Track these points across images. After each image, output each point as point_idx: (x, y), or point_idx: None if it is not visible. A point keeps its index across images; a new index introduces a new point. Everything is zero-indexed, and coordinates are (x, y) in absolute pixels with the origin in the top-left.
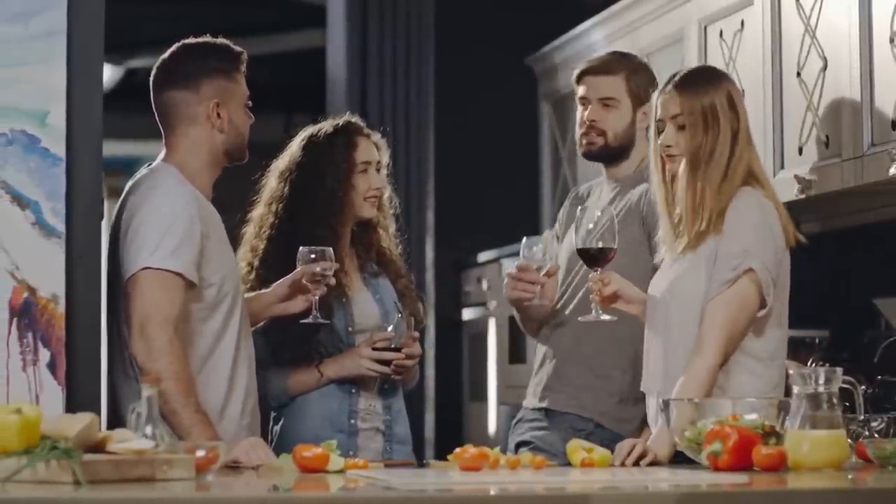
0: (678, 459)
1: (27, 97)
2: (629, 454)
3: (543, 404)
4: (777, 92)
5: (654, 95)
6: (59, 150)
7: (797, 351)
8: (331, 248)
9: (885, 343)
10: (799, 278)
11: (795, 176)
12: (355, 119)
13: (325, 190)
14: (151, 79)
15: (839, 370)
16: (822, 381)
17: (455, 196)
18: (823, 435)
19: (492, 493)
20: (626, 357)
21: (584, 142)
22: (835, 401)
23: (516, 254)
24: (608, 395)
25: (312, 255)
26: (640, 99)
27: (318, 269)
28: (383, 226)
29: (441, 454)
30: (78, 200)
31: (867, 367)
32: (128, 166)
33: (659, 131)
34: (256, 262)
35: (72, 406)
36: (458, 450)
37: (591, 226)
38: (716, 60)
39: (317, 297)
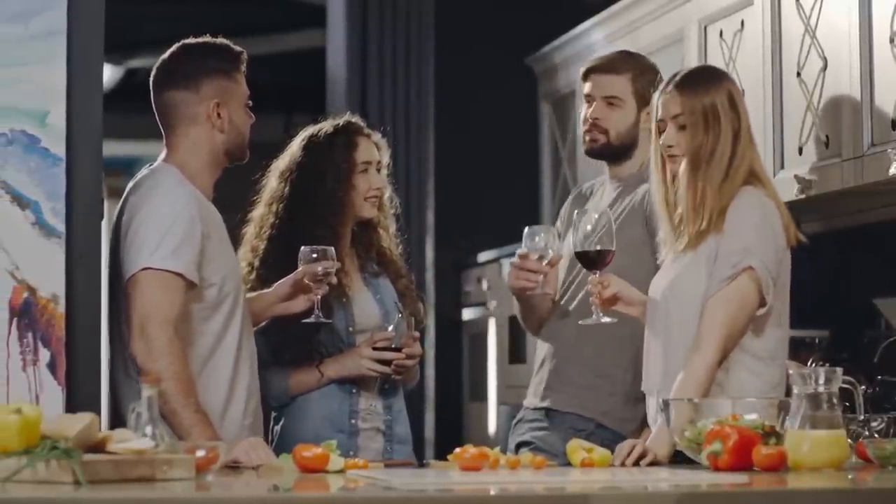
0: (678, 459)
1: (27, 97)
2: (629, 454)
3: (545, 404)
4: (777, 92)
5: (655, 95)
6: (59, 150)
7: (797, 351)
8: (332, 248)
9: (885, 343)
10: (799, 278)
11: (795, 176)
12: (356, 119)
13: (325, 190)
14: (151, 79)
15: (839, 370)
16: (822, 381)
17: (455, 196)
18: (823, 435)
19: (492, 493)
20: (627, 356)
21: (586, 139)
22: (835, 401)
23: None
24: (610, 394)
25: (314, 255)
26: (645, 99)
27: (319, 268)
28: (384, 226)
29: (441, 454)
30: (78, 200)
31: (867, 367)
32: (128, 166)
33: (660, 131)
34: (257, 262)
35: (72, 406)
36: (458, 450)
37: (588, 228)
38: (716, 60)
39: (319, 297)
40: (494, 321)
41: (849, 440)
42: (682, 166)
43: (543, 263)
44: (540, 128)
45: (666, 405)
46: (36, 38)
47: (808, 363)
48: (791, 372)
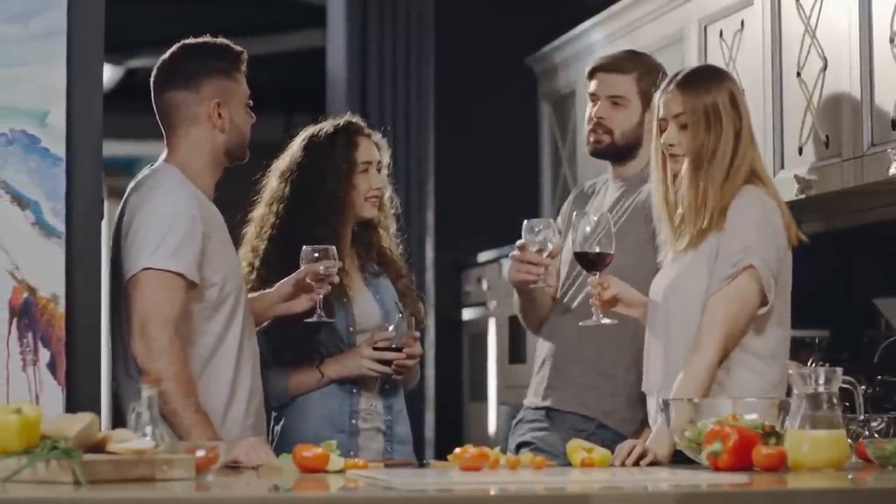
0: (678, 459)
1: (27, 97)
2: (629, 454)
3: (546, 403)
4: (777, 92)
5: (657, 94)
6: (59, 150)
7: (797, 351)
8: (334, 247)
9: (885, 343)
10: (799, 278)
11: (795, 176)
12: (356, 119)
13: (325, 190)
14: (152, 79)
15: (839, 370)
16: (822, 381)
17: (455, 196)
18: (823, 435)
19: (492, 493)
20: (628, 356)
21: (590, 139)
22: (835, 401)
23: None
24: (611, 394)
25: (316, 254)
26: (650, 99)
27: (321, 268)
28: (384, 226)
29: (441, 454)
30: (78, 200)
31: (867, 367)
32: (128, 166)
33: (661, 130)
34: (257, 262)
35: (72, 406)
36: (458, 450)
37: (588, 230)
38: (716, 60)
39: (321, 296)
40: (494, 321)
41: (849, 440)
42: (684, 166)
43: (543, 256)
44: (540, 128)
45: (666, 405)
46: (36, 38)
47: (808, 363)
48: (791, 372)
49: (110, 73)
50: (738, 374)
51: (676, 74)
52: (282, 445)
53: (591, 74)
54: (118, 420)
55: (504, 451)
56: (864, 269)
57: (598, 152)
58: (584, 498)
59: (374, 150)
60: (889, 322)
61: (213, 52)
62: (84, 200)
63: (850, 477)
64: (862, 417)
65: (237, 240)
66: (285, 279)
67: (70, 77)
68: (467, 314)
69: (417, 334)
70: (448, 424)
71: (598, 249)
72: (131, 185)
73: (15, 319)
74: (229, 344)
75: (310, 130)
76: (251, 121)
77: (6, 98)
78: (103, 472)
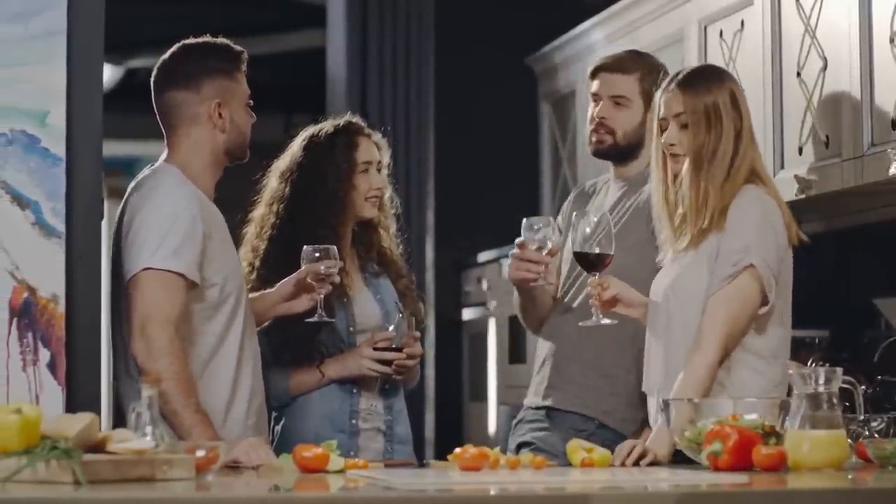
0: (678, 459)
1: (27, 97)
2: (629, 454)
3: (547, 402)
4: (777, 92)
5: (657, 94)
6: (59, 150)
7: (797, 351)
8: (335, 247)
9: (885, 343)
10: (799, 278)
11: (795, 176)
12: (356, 119)
13: (326, 190)
14: (152, 79)
15: (839, 370)
16: (822, 381)
17: (455, 196)
18: (823, 435)
19: (492, 493)
20: (629, 356)
21: (593, 139)
22: (835, 401)
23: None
24: (612, 394)
25: (317, 254)
26: (652, 99)
27: (322, 267)
28: (384, 226)
29: (441, 454)
30: (78, 200)
31: (867, 367)
32: (128, 166)
33: (661, 129)
34: (257, 263)
35: (72, 406)
36: (458, 450)
37: (587, 231)
38: (716, 60)
39: (322, 296)
40: (494, 321)
41: (849, 440)
42: (685, 166)
43: (543, 254)
44: (540, 128)
45: (666, 405)
46: (36, 38)
47: (808, 363)
48: (791, 372)
49: (110, 73)
50: (739, 373)
51: (677, 74)
52: (282, 445)
53: (594, 74)
54: (119, 420)
55: (504, 451)
56: (864, 269)
57: (601, 152)
58: (584, 498)
59: (375, 150)
60: (889, 322)
61: (214, 51)
62: (84, 200)
63: (850, 477)
64: (862, 417)
65: (237, 240)
66: (286, 279)
67: (70, 77)
68: (467, 314)
69: (418, 334)
70: (448, 424)
71: (597, 250)
72: (132, 185)
73: (15, 319)
74: (230, 344)
75: (310, 130)
76: (251, 120)
77: (6, 98)
78: (103, 472)
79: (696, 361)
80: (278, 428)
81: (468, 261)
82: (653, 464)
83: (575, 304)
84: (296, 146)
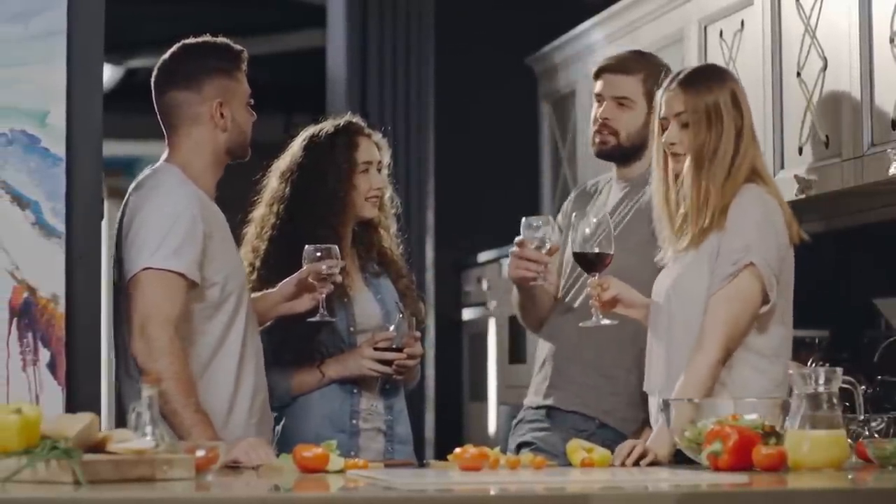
0: (678, 459)
1: (27, 97)
2: (629, 454)
3: (547, 402)
4: (777, 92)
5: (659, 93)
6: (59, 150)
7: (797, 351)
8: (336, 246)
9: (885, 343)
10: (799, 278)
11: (795, 176)
12: (356, 119)
13: (326, 190)
14: (153, 79)
15: (839, 370)
16: (822, 381)
17: (455, 196)
18: (823, 435)
19: (492, 493)
20: (630, 356)
21: (596, 140)
22: (835, 401)
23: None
24: (613, 394)
25: (318, 254)
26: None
27: (324, 267)
28: (384, 226)
29: (441, 454)
30: (78, 200)
31: (867, 367)
32: (128, 166)
33: (663, 129)
34: (258, 263)
35: (72, 406)
36: (458, 450)
37: (587, 232)
38: (716, 60)
39: (323, 295)
40: (494, 321)
41: (849, 440)
42: (686, 165)
43: (542, 252)
44: (540, 128)
45: (666, 405)
46: (36, 38)
47: (808, 363)
48: (791, 372)
49: (110, 73)
50: (741, 372)
51: (678, 73)
52: (282, 445)
53: (597, 75)
54: (121, 420)
55: (504, 451)
56: (864, 269)
57: (604, 153)
58: (584, 498)
59: (375, 150)
60: (889, 322)
61: (214, 51)
62: (84, 200)
63: (850, 477)
64: (862, 417)
65: (237, 240)
66: (288, 279)
67: (70, 77)
68: (467, 314)
69: (418, 334)
70: (448, 424)
71: (597, 250)
72: (133, 185)
73: (15, 319)
74: (232, 343)
75: (310, 130)
76: (252, 119)
77: (6, 98)
78: (103, 472)
79: (698, 361)
80: (279, 428)
81: (468, 261)
82: (653, 464)
83: (576, 305)
84: (296, 146)
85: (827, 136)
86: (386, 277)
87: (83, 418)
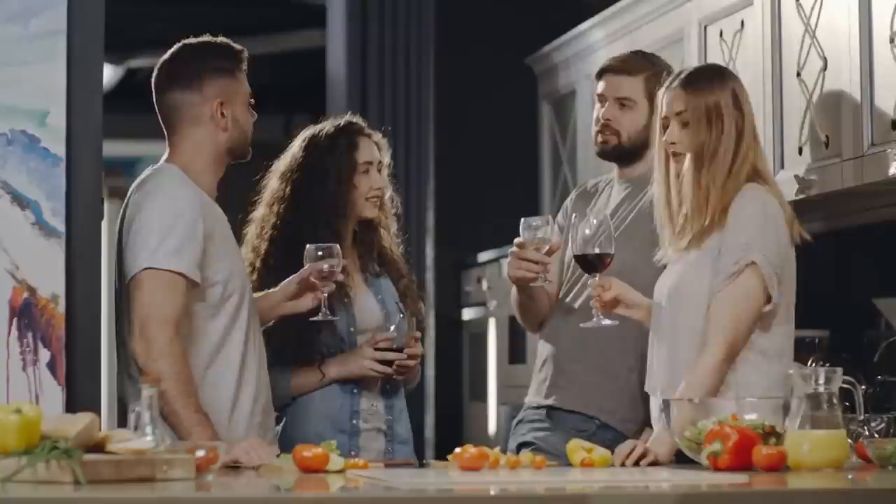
0: (678, 459)
1: (27, 97)
2: (629, 454)
3: (549, 402)
4: (777, 92)
5: (660, 92)
6: (59, 150)
7: (797, 351)
8: (337, 245)
9: (885, 343)
10: (799, 278)
11: (795, 176)
12: (356, 119)
13: (326, 190)
14: (153, 80)
15: (839, 370)
16: (822, 381)
17: (455, 196)
18: (823, 435)
19: (492, 493)
20: (632, 355)
21: (598, 140)
22: (835, 401)
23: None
24: (614, 393)
25: (320, 253)
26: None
27: (325, 266)
28: (385, 226)
29: (441, 454)
30: (78, 200)
31: (867, 367)
32: (128, 166)
33: (664, 128)
34: (258, 263)
35: (72, 406)
36: (458, 450)
37: (588, 233)
38: (716, 60)
39: (325, 294)
40: (494, 321)
41: (849, 440)
42: (686, 164)
43: (542, 253)
44: (540, 128)
45: (666, 405)
46: (36, 38)
47: (808, 363)
48: (791, 372)
49: (110, 73)
50: (745, 372)
51: (680, 73)
52: (282, 445)
53: (599, 75)
54: (121, 420)
55: (504, 451)
56: (864, 269)
57: (605, 153)
58: (584, 498)
59: (375, 151)
60: (889, 322)
61: (215, 51)
62: (84, 200)
63: (850, 477)
64: (862, 417)
65: (238, 240)
66: (289, 278)
67: (70, 77)
68: (467, 314)
69: (418, 334)
70: (448, 424)
71: (597, 250)
72: (134, 185)
73: (15, 319)
74: (234, 343)
75: (310, 130)
76: (253, 119)
77: (6, 98)
78: (103, 472)
79: (702, 362)
80: (279, 428)
81: (468, 261)
82: (653, 464)
83: (576, 305)
84: (296, 146)
85: (827, 136)
86: (386, 277)
87: (83, 418)
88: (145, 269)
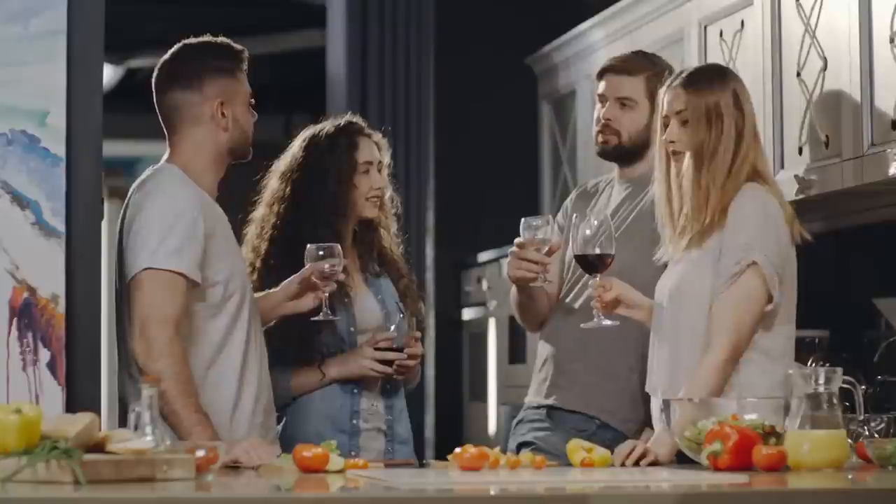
0: (678, 460)
1: (27, 97)
2: (629, 454)
3: (549, 401)
4: (777, 92)
5: (662, 91)
6: (59, 150)
7: (797, 351)
8: (338, 245)
9: (885, 343)
10: (799, 278)
11: (795, 176)
12: (356, 119)
13: (326, 190)
14: (154, 80)
15: (839, 370)
16: (822, 381)
17: (455, 196)
18: (823, 435)
19: (492, 493)
20: (633, 355)
21: (598, 139)
22: (835, 401)
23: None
24: (615, 393)
25: (321, 252)
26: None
27: (326, 266)
28: (385, 226)
29: (441, 454)
30: (78, 200)
31: (867, 367)
32: (128, 166)
33: (665, 127)
34: (258, 263)
35: (72, 406)
36: (458, 450)
37: (588, 233)
38: (716, 60)
39: (327, 294)
40: (494, 321)
41: (849, 440)
42: (685, 163)
43: (542, 253)
44: (540, 128)
45: (666, 405)
46: (36, 38)
47: (808, 363)
48: (791, 372)
49: (110, 73)
50: (748, 373)
51: (682, 72)
52: (282, 445)
53: (600, 75)
54: (121, 420)
55: (504, 451)
56: (864, 269)
57: (606, 153)
58: (584, 498)
59: (375, 150)
60: (889, 322)
61: (215, 51)
62: (84, 200)
63: (850, 477)
64: (862, 417)
65: (238, 240)
66: (290, 278)
67: (70, 77)
68: (467, 314)
69: (418, 334)
70: (448, 424)
71: (598, 251)
72: (134, 185)
73: (15, 319)
74: (235, 342)
75: (310, 130)
76: (253, 119)
77: (6, 98)
78: (103, 472)
79: (705, 362)
80: (279, 428)
81: (468, 261)
82: (653, 464)
83: (576, 305)
84: (296, 146)
85: (827, 136)
86: (386, 277)
87: (83, 418)
88: (145, 269)
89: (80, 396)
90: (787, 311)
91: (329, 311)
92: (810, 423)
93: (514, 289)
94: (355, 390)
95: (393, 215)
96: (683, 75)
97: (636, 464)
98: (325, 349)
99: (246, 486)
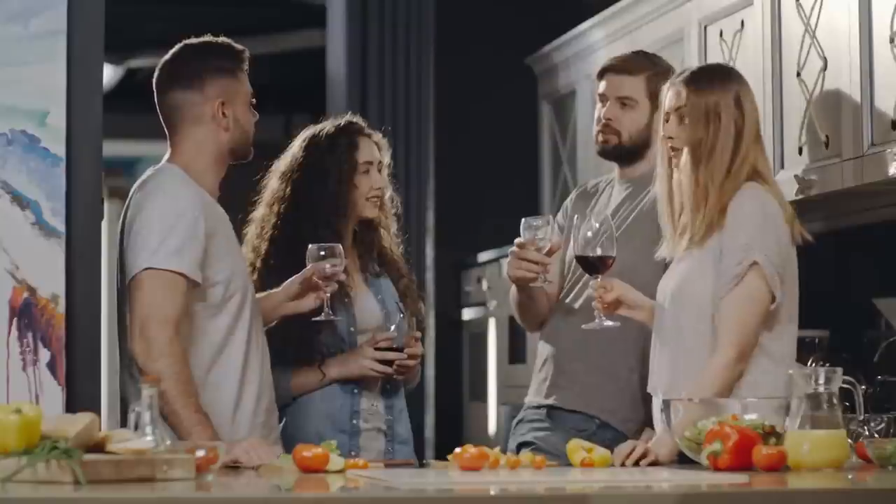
0: (679, 460)
1: (27, 97)
2: (629, 455)
3: (549, 401)
4: (777, 92)
5: (664, 88)
6: (59, 150)
7: (797, 351)
8: (339, 245)
9: (885, 343)
10: (799, 278)
11: (795, 176)
12: (356, 119)
13: (327, 190)
14: (154, 80)
15: (839, 370)
16: (822, 381)
17: (455, 196)
18: (823, 435)
19: (492, 493)
20: (634, 355)
21: (599, 139)
22: (835, 401)
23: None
24: (615, 393)
25: (322, 253)
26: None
27: (327, 266)
28: (385, 226)
29: (441, 454)
30: (78, 200)
31: (867, 367)
32: (128, 166)
33: (666, 123)
34: (259, 263)
35: (72, 406)
36: (458, 450)
37: (589, 234)
38: (716, 60)
39: (328, 294)
40: (494, 321)
41: (849, 440)
42: (683, 159)
43: (542, 253)
44: (540, 128)
45: (666, 405)
46: (36, 38)
47: (808, 363)
48: (791, 372)
49: (110, 73)
50: (751, 371)
51: (684, 70)
52: (284, 445)
53: (601, 75)
54: (124, 420)
55: (504, 451)
56: (864, 269)
57: (606, 153)
58: (584, 498)
59: (375, 150)
60: (889, 322)
61: (216, 51)
62: (84, 200)
63: (850, 477)
64: (862, 417)
65: (239, 240)
66: (291, 278)
67: (70, 77)
68: (467, 314)
69: (419, 334)
70: (448, 424)
71: (599, 252)
72: (135, 185)
73: (15, 319)
74: (236, 343)
75: (310, 130)
76: (254, 119)
77: (6, 98)
78: (103, 472)
79: (712, 363)
80: (280, 428)
81: (468, 261)
82: (653, 464)
83: (577, 306)
84: (296, 146)
85: (827, 136)
86: (386, 277)
87: (83, 418)
88: (146, 269)
89: (80, 396)
90: (788, 312)
91: (330, 312)
92: (810, 423)
93: (513, 289)
94: (355, 390)
95: (393, 215)
96: (686, 73)
97: (636, 464)
98: (325, 349)
99: (246, 486)
